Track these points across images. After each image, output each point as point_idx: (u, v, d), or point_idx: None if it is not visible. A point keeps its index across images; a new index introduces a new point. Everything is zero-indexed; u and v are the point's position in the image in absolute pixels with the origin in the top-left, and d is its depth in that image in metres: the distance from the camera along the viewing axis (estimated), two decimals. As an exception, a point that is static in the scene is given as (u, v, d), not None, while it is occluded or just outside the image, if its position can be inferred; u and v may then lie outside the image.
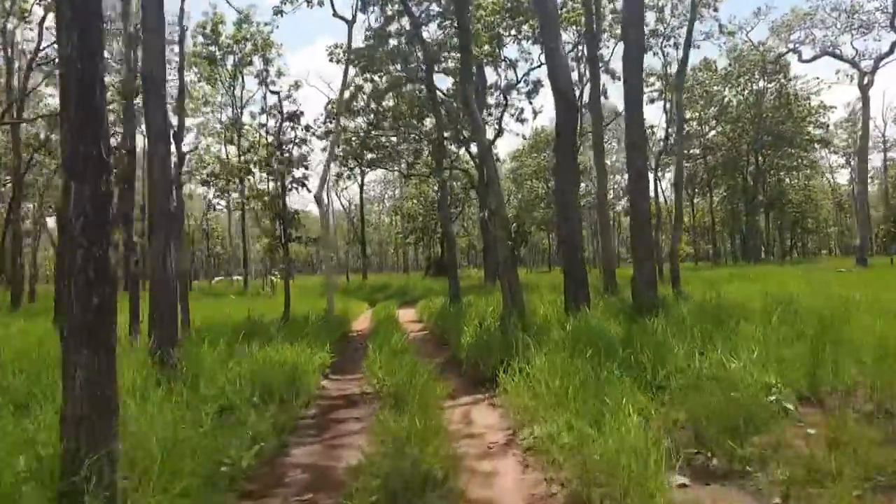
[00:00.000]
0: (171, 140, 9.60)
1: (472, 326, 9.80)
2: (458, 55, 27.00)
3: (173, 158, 10.17)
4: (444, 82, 37.89)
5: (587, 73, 25.53)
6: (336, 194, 63.66)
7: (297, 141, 13.21)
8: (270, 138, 13.50)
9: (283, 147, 13.09)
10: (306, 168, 13.28)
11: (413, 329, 14.75)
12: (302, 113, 13.31)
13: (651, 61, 45.88)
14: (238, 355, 7.38)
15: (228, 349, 7.77)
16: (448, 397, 6.67)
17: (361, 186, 45.95)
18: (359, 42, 26.60)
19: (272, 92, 15.51)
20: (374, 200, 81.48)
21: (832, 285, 16.37)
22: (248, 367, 6.91)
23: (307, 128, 13.42)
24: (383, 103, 30.23)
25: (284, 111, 13.38)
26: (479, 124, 10.37)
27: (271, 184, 15.58)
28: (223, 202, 40.73)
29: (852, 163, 68.65)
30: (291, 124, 13.18)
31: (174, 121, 10.33)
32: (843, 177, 71.36)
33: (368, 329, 14.57)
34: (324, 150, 32.18)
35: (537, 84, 28.48)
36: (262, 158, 13.79)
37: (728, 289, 14.75)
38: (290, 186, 13.08)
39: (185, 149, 14.16)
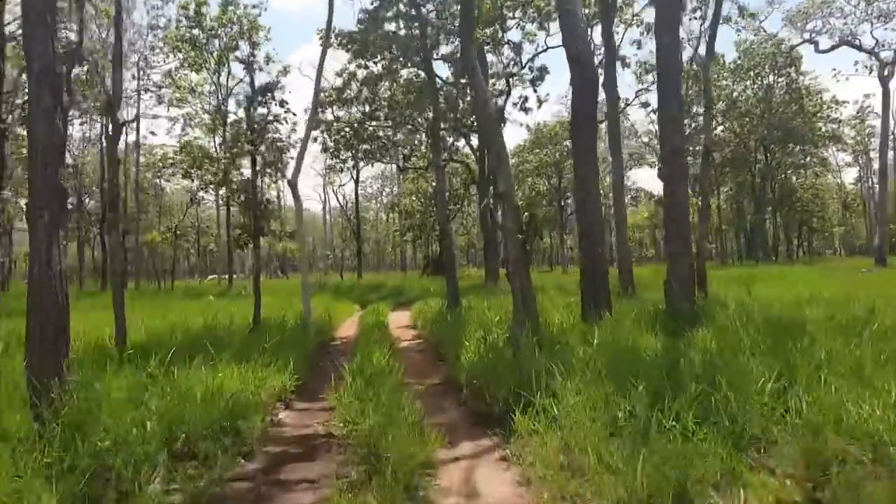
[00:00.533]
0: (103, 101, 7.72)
1: (473, 339, 7.94)
2: (457, 40, 25.28)
3: (108, 129, 8.33)
4: (443, 70, 35.92)
5: (598, 54, 23.68)
6: (333, 191, 61.89)
7: (270, 119, 11.35)
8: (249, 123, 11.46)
9: (255, 125, 11.21)
10: (281, 150, 11.44)
11: (405, 337, 12.90)
12: (276, 86, 11.44)
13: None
14: (160, 384, 5.52)
15: (159, 372, 5.92)
16: (442, 445, 4.81)
17: (357, 181, 44.03)
18: (351, 26, 24.74)
19: (240, 61, 13.55)
20: (372, 197, 79.67)
21: (870, 287, 14.65)
22: (170, 403, 5.05)
23: (283, 103, 11.53)
24: (379, 92, 28.40)
25: (256, 84, 11.50)
26: (482, 87, 8.52)
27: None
28: (210, 197, 38.91)
29: (861, 161, 67.14)
30: (263, 99, 11.32)
31: (111, 86, 8.44)
32: (849, 175, 69.80)
33: (354, 336, 12.70)
34: (315, 140, 30.32)
35: (542, 70, 26.62)
36: (229, 140, 11.89)
37: (757, 291, 12.97)
38: (261, 171, 11.24)
39: (141, 127, 12.21)
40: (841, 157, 63.16)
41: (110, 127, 8.14)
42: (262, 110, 11.58)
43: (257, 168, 11.18)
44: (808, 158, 55.49)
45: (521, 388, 5.31)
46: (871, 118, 54.77)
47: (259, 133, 11.19)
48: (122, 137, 39.98)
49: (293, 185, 11.65)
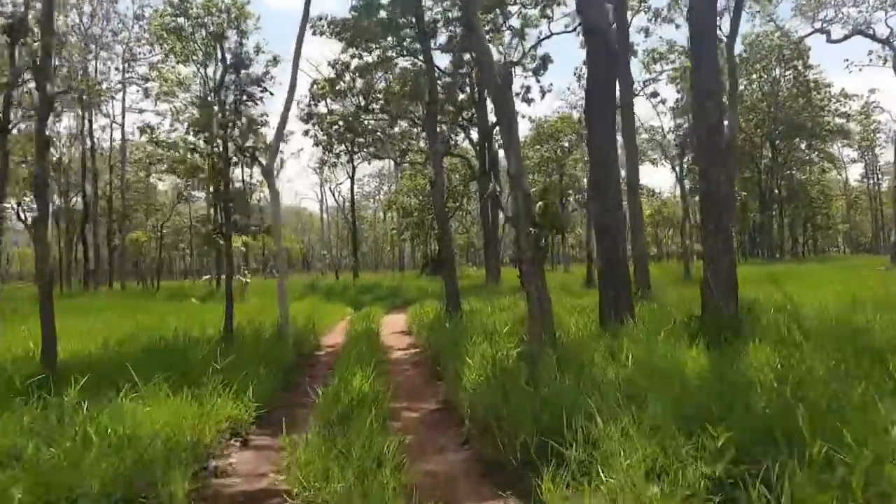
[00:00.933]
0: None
1: (477, 354, 6.56)
2: (456, 28, 23.92)
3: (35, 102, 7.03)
4: (440, 62, 34.54)
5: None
6: (330, 189, 60.59)
7: (244, 99, 9.98)
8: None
9: (226, 107, 9.84)
10: (256, 135, 10.10)
11: (399, 346, 11.53)
12: (251, 61, 10.10)
13: (675, 34, 42.88)
14: (66, 425, 4.15)
15: (75, 405, 4.56)
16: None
17: (353, 178, 42.57)
18: (343, 13, 23.40)
19: (214, 36, 12.26)
20: (370, 196, 78.30)
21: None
22: (66, 455, 3.68)
23: (259, 81, 10.16)
24: (374, 84, 27.03)
25: (228, 60, 10.13)
26: (485, 48, 7.16)
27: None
28: (202, 194, 37.47)
29: (866, 157, 65.80)
30: (235, 77, 9.95)
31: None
32: (853, 172, 68.84)
33: (342, 345, 11.32)
34: (305, 133, 28.98)
35: (546, 59, 25.24)
36: (193, 121, 10.53)
37: (787, 292, 11.61)
38: (234, 158, 9.89)
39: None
40: (846, 153, 62.03)
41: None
42: (235, 92, 10.22)
43: (229, 154, 9.80)
44: (814, 154, 54.29)
45: (544, 430, 3.96)
46: (876, 113, 53.62)
47: (231, 112, 9.81)
48: (108, 134, 38.49)
49: (268, 172, 10.28)
